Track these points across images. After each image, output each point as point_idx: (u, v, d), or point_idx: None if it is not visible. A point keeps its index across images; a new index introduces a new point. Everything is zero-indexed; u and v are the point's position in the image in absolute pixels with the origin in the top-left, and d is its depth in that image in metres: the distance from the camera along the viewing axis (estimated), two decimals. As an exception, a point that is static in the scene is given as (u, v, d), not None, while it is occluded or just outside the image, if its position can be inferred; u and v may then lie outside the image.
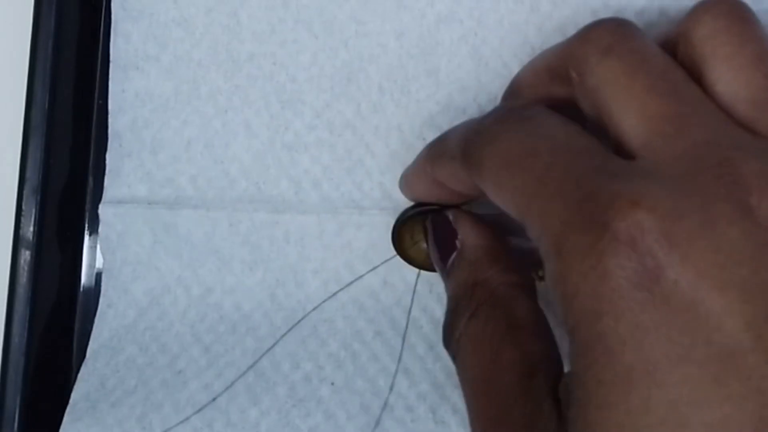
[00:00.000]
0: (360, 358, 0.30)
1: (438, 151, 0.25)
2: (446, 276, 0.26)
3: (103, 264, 0.32)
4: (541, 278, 0.27)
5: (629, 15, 0.29)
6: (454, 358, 0.24)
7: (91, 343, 0.31)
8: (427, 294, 0.30)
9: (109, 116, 0.31)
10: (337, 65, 0.31)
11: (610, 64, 0.21)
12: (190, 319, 0.31)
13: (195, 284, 0.31)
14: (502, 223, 0.26)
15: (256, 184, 0.31)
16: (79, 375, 0.31)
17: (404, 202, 0.30)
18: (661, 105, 0.20)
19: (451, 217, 0.26)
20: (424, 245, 0.29)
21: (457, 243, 0.25)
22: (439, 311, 0.30)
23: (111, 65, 0.31)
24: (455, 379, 0.30)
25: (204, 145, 0.31)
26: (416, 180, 0.27)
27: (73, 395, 0.30)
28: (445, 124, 0.30)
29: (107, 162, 0.32)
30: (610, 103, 0.21)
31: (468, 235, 0.26)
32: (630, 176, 0.19)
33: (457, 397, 0.30)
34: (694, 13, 0.22)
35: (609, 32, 0.22)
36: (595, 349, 0.18)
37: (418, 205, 0.29)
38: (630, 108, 0.20)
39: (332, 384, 0.30)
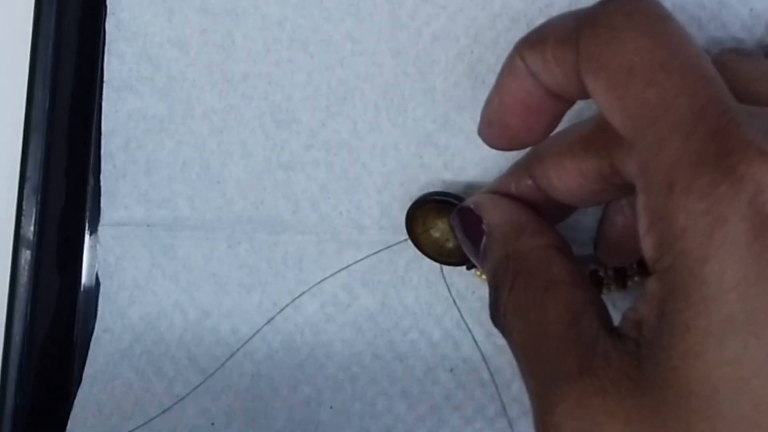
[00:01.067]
0: (359, 381, 0.30)
1: (539, 35, 0.22)
2: (482, 262, 0.25)
3: (101, 288, 0.31)
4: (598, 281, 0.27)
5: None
6: (504, 333, 0.23)
7: (86, 368, 0.31)
8: (426, 316, 0.30)
9: (102, 137, 0.31)
10: (332, 84, 0.30)
11: None
12: (186, 343, 0.31)
13: (191, 308, 0.31)
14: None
15: (253, 204, 0.31)
16: (76, 401, 0.31)
17: (402, 222, 0.30)
18: None
19: (472, 206, 0.26)
20: (435, 234, 0.29)
21: (484, 227, 0.25)
22: (438, 333, 0.30)
23: (105, 86, 0.31)
24: (453, 400, 0.30)
25: (200, 165, 0.31)
26: (503, 85, 0.24)
27: (70, 423, 0.30)
28: (442, 142, 0.30)
29: (102, 184, 0.31)
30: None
31: (491, 216, 0.25)
32: (759, 124, 0.18)
33: (456, 420, 0.30)
34: (717, 57, 0.23)
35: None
36: (692, 294, 0.17)
37: (434, 193, 0.29)
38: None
39: (331, 407, 0.30)
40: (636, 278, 0.28)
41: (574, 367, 0.20)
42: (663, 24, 0.20)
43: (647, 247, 0.19)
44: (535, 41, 0.22)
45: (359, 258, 0.30)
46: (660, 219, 0.18)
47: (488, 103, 0.24)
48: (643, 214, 0.19)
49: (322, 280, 0.30)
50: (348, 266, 0.30)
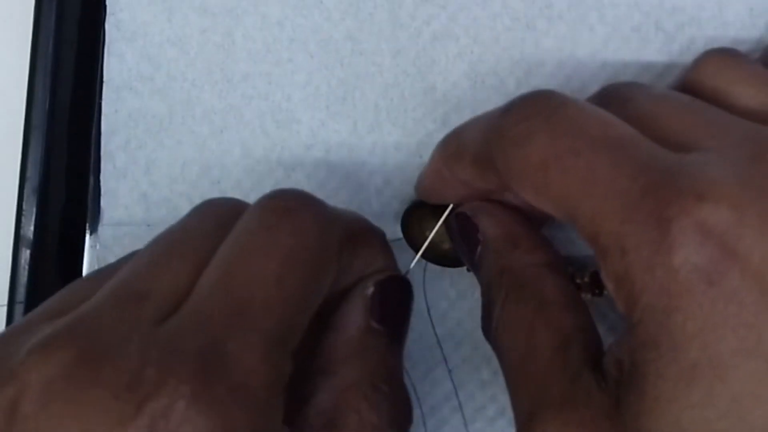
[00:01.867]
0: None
1: (455, 153, 0.24)
2: (476, 271, 0.26)
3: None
4: (580, 286, 0.27)
5: (625, 31, 0.29)
6: (494, 348, 0.24)
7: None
8: (426, 316, 0.30)
9: (102, 137, 0.31)
10: (332, 84, 0.30)
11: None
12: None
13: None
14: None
15: (252, 204, 0.31)
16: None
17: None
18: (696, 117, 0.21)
19: (469, 213, 0.26)
20: (431, 235, 0.29)
21: (480, 237, 0.25)
22: (438, 333, 0.30)
23: (104, 86, 0.31)
24: (453, 401, 0.30)
25: (200, 165, 0.31)
26: (435, 184, 0.26)
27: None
28: (442, 142, 0.30)
29: (102, 184, 0.31)
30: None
31: (487, 227, 0.25)
32: (688, 167, 0.18)
33: (456, 420, 0.30)
34: (703, 57, 0.24)
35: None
36: (661, 345, 0.18)
37: None
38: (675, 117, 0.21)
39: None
40: None
41: (557, 395, 0.20)
42: (559, 114, 0.20)
43: (619, 306, 0.19)
44: (453, 159, 0.24)
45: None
46: (622, 281, 0.18)
47: (421, 184, 0.26)
48: (606, 279, 0.19)
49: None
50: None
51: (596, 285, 0.28)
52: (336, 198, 0.30)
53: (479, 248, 0.25)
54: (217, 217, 0.22)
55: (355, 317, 0.23)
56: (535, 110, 0.21)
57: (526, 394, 0.21)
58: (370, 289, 0.24)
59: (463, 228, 0.26)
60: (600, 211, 0.19)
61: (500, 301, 0.23)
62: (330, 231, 0.21)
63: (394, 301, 0.24)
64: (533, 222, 0.26)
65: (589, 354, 0.21)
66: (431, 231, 0.29)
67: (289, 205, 0.21)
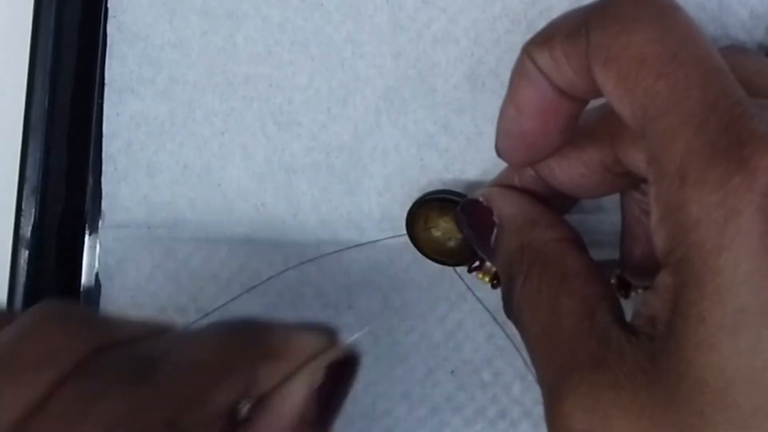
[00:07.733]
0: (359, 383, 0.30)
1: (547, 33, 0.22)
2: (492, 254, 0.25)
3: (102, 290, 0.31)
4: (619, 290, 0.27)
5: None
6: (517, 324, 0.23)
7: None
8: (427, 317, 0.30)
9: (103, 140, 0.31)
10: (333, 87, 0.31)
11: None
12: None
13: (192, 311, 0.31)
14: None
15: (254, 207, 0.31)
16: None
17: (402, 225, 0.30)
18: None
19: (481, 198, 0.26)
20: (437, 233, 0.29)
21: (495, 219, 0.25)
22: (439, 335, 0.30)
23: (106, 88, 0.31)
24: (454, 402, 0.30)
25: (201, 167, 0.31)
26: (515, 90, 0.23)
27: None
28: (443, 144, 0.30)
29: (103, 186, 0.31)
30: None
31: (503, 208, 0.25)
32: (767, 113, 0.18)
33: (457, 421, 0.30)
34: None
35: None
36: (706, 286, 0.17)
37: (436, 192, 0.29)
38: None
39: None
40: (640, 291, 0.28)
41: (587, 359, 0.20)
42: (673, 15, 0.19)
43: (659, 238, 0.19)
44: (543, 40, 0.22)
45: (359, 260, 0.30)
46: (673, 210, 0.18)
47: (503, 113, 0.24)
48: (655, 205, 0.19)
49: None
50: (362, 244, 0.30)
51: (623, 286, 0.28)
52: (336, 201, 0.30)
53: (495, 231, 0.25)
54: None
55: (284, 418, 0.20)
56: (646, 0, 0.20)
57: (551, 362, 0.21)
58: (318, 382, 0.21)
59: (476, 214, 0.26)
60: (672, 132, 0.18)
61: (522, 275, 0.23)
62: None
63: (338, 387, 0.22)
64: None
65: (616, 317, 0.20)
66: (437, 228, 0.29)
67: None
